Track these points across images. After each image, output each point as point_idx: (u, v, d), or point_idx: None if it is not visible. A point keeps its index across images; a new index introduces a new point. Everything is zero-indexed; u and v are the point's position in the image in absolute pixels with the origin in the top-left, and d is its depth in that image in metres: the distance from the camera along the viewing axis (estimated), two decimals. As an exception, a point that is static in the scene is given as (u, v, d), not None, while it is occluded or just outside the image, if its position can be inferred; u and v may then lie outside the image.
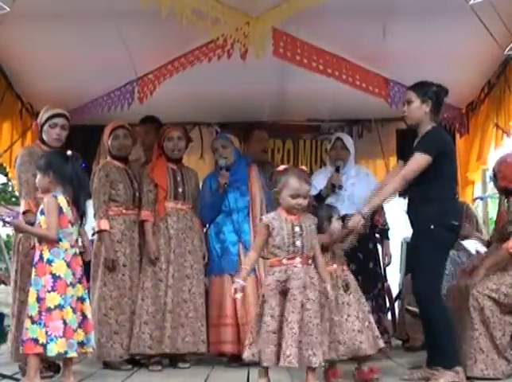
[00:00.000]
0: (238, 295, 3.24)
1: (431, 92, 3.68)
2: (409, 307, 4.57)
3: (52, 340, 3.37)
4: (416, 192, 3.70)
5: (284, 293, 3.18)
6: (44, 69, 4.89)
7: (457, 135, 6.03)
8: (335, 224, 3.74)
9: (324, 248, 3.62)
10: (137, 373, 4.22)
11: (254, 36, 4.14)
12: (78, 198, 3.62)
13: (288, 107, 5.88)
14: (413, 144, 3.79)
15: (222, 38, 4.17)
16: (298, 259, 3.21)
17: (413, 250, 3.85)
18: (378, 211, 4.68)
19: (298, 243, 3.22)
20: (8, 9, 3.85)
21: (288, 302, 3.13)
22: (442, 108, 3.76)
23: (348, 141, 4.83)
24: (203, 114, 6.02)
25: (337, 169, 4.66)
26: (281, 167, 3.38)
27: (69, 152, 3.65)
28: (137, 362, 4.39)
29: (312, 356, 3.11)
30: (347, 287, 3.64)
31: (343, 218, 4.55)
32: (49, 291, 3.43)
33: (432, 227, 3.57)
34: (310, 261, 3.28)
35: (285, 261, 3.21)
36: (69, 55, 4.70)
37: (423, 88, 3.71)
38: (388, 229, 4.82)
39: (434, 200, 3.60)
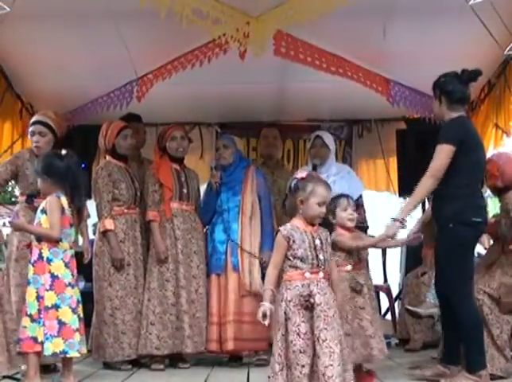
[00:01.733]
0: (267, 322, 2.89)
1: (437, 85, 3.70)
2: (409, 307, 4.56)
3: (47, 339, 3.39)
4: (436, 189, 3.59)
5: (307, 309, 2.93)
6: (44, 69, 4.88)
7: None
8: (343, 215, 3.64)
9: (340, 248, 3.57)
10: (137, 373, 4.22)
11: (255, 36, 4.14)
12: (73, 195, 3.62)
13: (288, 107, 5.87)
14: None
15: (223, 38, 4.17)
16: (321, 274, 2.98)
17: (436, 248, 3.74)
18: (358, 208, 4.67)
19: (321, 256, 2.99)
20: (8, 9, 3.86)
21: (319, 318, 2.88)
22: (457, 95, 3.62)
23: (328, 138, 4.78)
24: (203, 114, 6.01)
25: (314, 168, 4.55)
26: (304, 173, 3.12)
27: (63, 151, 3.66)
28: (137, 362, 4.39)
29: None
30: (357, 289, 3.56)
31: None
32: (47, 290, 3.45)
33: (451, 225, 3.50)
34: (328, 277, 3.06)
35: (307, 275, 2.96)
36: (69, 55, 4.70)
37: (434, 84, 3.73)
38: (367, 227, 4.80)
39: (452, 197, 3.52)
